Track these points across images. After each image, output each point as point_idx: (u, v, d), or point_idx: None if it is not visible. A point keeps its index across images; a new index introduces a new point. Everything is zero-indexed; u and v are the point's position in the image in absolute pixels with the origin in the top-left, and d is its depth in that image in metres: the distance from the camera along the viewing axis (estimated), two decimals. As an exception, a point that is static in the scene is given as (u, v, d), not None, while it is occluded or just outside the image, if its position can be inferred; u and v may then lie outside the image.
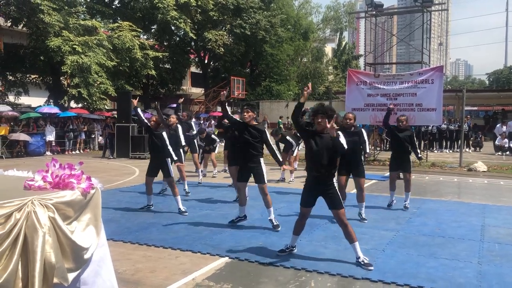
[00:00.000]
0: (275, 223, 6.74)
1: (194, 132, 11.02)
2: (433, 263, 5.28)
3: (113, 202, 8.72)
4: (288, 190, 10.23)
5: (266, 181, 6.77)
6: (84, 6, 26.60)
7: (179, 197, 7.86)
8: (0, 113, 18.63)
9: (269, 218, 6.77)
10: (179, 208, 7.81)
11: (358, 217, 7.36)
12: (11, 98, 26.68)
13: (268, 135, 6.83)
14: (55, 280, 2.76)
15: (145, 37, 32.40)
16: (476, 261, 5.40)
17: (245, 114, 6.68)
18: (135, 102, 8.57)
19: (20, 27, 24.13)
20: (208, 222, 7.17)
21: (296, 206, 8.40)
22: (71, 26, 22.09)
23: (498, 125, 21.66)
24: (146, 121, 8.24)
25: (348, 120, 7.25)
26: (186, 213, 7.73)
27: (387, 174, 8.99)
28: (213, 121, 26.20)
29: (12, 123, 18.63)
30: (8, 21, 23.83)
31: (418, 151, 8.52)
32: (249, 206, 7.47)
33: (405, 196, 8.35)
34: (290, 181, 11.57)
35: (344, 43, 62.31)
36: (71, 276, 2.88)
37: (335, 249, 5.77)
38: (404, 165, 8.24)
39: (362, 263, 5.12)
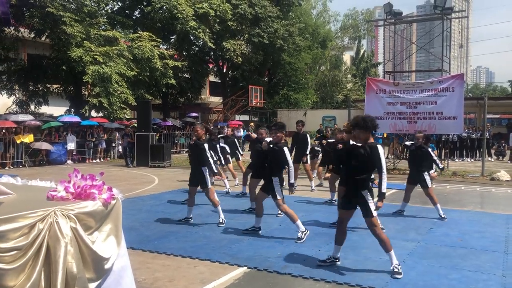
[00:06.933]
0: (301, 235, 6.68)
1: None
2: (455, 275, 5.19)
3: (133, 211, 8.79)
4: (307, 199, 10.20)
5: (278, 197, 6.74)
6: (105, 17, 27.05)
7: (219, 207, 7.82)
8: (24, 122, 19.01)
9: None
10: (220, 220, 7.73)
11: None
12: (31, 107, 27.20)
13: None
14: (77, 290, 2.80)
15: (164, 47, 32.76)
16: (500, 273, 5.27)
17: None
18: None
19: (43, 38, 24.69)
20: (226, 231, 7.18)
21: (314, 215, 8.38)
22: (92, 36, 22.48)
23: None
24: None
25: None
26: (222, 224, 7.64)
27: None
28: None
29: (36, 132, 18.98)
30: (32, 33, 24.40)
31: None
32: (267, 216, 7.46)
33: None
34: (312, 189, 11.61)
35: (362, 51, 62.13)
36: (92, 286, 2.92)
37: (355, 260, 5.71)
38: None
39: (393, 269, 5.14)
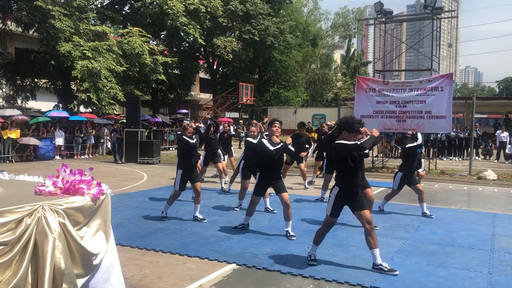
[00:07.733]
0: (290, 234, 6.67)
1: None
2: (442, 272, 5.24)
3: (122, 207, 8.74)
4: (297, 197, 10.22)
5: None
6: (95, 12, 26.83)
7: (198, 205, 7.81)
8: (11, 117, 18.79)
9: (285, 229, 6.73)
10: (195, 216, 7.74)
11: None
12: (19, 102, 26.92)
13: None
14: (64, 286, 2.77)
15: (154, 42, 32.56)
16: (487, 271, 5.34)
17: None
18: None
19: (31, 32, 24.41)
20: (216, 228, 7.17)
21: (304, 212, 8.40)
22: (81, 31, 22.28)
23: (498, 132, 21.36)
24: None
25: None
26: (205, 220, 7.67)
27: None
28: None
29: (23, 128, 18.78)
30: (20, 26, 24.11)
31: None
32: (256, 213, 7.46)
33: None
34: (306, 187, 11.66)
35: (352, 49, 62.40)
36: (80, 282, 2.89)
37: (343, 257, 5.74)
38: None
39: (386, 269, 5.16)
